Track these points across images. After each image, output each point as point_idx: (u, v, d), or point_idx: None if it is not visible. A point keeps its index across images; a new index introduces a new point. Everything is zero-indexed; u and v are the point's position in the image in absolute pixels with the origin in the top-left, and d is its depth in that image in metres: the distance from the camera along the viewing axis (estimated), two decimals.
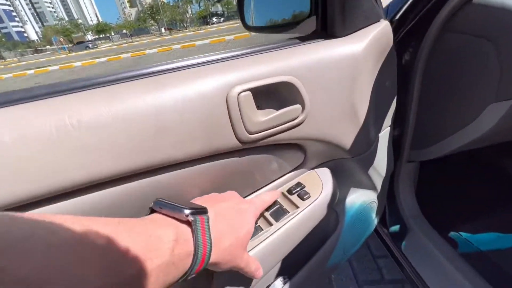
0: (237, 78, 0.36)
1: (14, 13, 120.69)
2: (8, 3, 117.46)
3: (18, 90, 0.29)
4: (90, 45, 33.88)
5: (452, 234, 0.84)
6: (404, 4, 0.59)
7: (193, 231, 0.28)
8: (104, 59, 12.58)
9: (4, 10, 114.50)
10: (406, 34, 0.61)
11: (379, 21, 0.49)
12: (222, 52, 0.40)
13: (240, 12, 0.64)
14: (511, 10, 0.47)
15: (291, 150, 0.48)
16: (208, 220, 0.30)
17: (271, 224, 0.43)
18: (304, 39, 0.46)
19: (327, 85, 0.43)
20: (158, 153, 0.32)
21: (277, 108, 0.40)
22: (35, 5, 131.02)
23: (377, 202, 0.68)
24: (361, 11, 0.46)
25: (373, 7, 0.48)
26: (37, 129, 0.26)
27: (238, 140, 0.37)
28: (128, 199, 0.34)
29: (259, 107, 0.39)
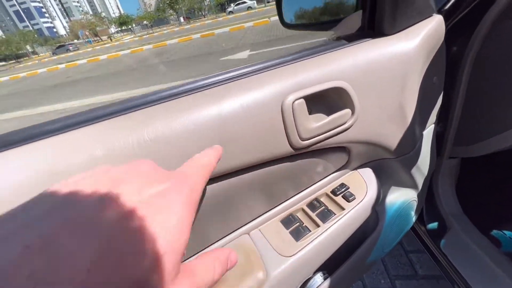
0: (290, 85, 0.36)
1: (43, 9, 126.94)
2: None
3: (96, 108, 0.31)
4: (71, 48, 33.63)
5: (494, 232, 0.81)
6: None
7: None
8: (128, 51, 12.97)
9: (35, 7, 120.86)
10: (457, 23, 0.57)
11: (432, 15, 0.47)
12: (272, 60, 0.40)
13: (278, 9, 0.63)
14: None
15: (336, 152, 0.48)
16: None
17: (318, 225, 0.44)
18: (351, 38, 0.45)
19: (376, 87, 0.42)
20: (219, 163, 0.34)
21: (327, 112, 0.40)
22: (62, 0, 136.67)
23: (417, 200, 0.66)
24: (414, 6, 0.43)
25: (427, 1, 0.45)
26: (122, 144, 0.28)
27: (291, 146, 0.38)
28: None
29: (310, 111, 0.39)
